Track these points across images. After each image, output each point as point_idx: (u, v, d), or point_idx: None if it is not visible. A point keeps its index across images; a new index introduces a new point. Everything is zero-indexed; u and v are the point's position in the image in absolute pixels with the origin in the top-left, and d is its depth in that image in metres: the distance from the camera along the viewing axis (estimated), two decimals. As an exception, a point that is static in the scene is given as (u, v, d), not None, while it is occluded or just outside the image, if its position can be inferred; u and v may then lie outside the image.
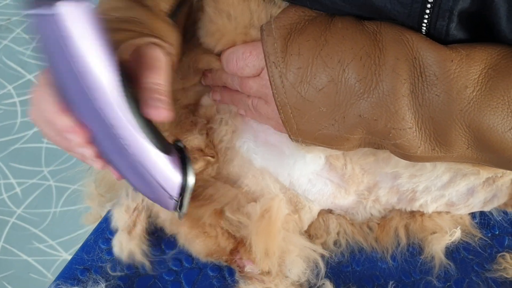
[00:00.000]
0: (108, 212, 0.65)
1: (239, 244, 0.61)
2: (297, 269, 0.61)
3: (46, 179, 1.84)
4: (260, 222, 0.58)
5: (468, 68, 0.47)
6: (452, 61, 0.47)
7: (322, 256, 0.64)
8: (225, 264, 0.62)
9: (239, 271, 0.62)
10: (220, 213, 0.62)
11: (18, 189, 1.82)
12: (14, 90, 2.06)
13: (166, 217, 0.62)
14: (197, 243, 0.61)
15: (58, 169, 1.88)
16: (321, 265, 0.63)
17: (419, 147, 0.50)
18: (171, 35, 0.56)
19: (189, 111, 0.64)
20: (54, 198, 1.81)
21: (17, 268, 1.67)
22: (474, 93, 0.47)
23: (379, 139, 0.51)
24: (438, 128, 0.48)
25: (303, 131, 0.54)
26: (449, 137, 0.48)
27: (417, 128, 0.49)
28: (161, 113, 0.46)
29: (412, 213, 0.70)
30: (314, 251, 0.63)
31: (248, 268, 0.59)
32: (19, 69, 2.14)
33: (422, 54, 0.47)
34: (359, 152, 0.62)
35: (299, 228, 0.64)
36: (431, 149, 0.50)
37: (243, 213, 0.61)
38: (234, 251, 0.61)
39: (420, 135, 0.49)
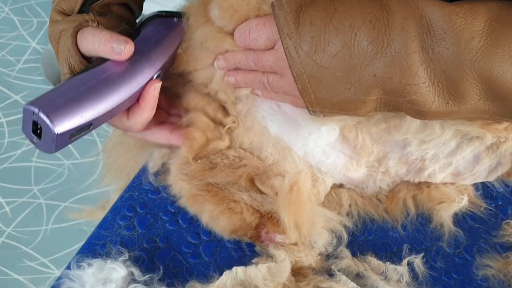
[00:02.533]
0: (123, 193, 0.66)
1: (264, 218, 0.62)
2: (323, 240, 0.63)
3: (36, 197, 1.83)
4: (289, 195, 0.60)
5: (472, 21, 0.50)
6: (457, 15, 0.50)
7: (344, 226, 0.65)
8: (248, 241, 0.63)
9: (263, 247, 0.63)
10: (251, 181, 0.63)
11: (7, 208, 1.80)
12: (1, 111, 2.05)
13: (188, 195, 0.63)
14: (222, 220, 0.62)
15: (48, 187, 1.86)
16: (345, 235, 0.64)
17: (433, 102, 0.52)
18: None
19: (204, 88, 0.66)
20: (45, 215, 1.79)
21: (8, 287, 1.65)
22: (481, 43, 0.49)
23: (395, 97, 0.53)
24: (450, 80, 0.51)
25: (320, 99, 0.55)
26: (462, 88, 0.51)
27: (430, 82, 0.51)
28: None
29: (419, 185, 0.73)
30: (337, 221, 0.65)
31: (279, 238, 0.61)
32: (6, 90, 2.13)
33: (428, 12, 0.50)
34: (371, 120, 0.64)
35: (318, 200, 0.66)
36: (445, 102, 0.52)
37: (268, 186, 0.63)
38: (259, 226, 0.62)
39: (433, 89, 0.52)
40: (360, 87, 0.54)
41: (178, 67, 0.65)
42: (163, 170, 0.67)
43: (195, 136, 0.63)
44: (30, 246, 1.72)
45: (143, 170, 0.68)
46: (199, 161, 0.63)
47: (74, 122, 0.51)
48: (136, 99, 0.58)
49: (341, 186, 0.71)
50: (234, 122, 0.65)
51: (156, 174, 0.67)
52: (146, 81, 0.58)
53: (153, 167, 0.66)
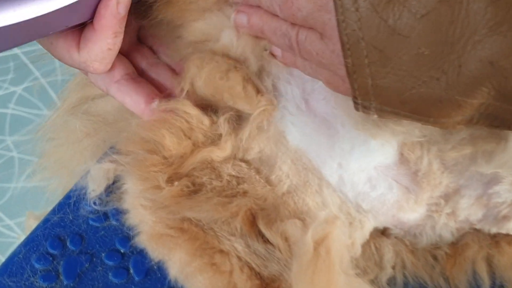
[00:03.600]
0: (50, 213, 0.42)
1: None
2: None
3: (8, 149, 1.62)
4: (313, 262, 0.36)
5: None
6: None
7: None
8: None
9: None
10: (252, 221, 0.39)
11: (-25, 159, 1.62)
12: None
13: (152, 232, 0.39)
14: (200, 281, 0.38)
15: (23, 140, 1.67)
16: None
17: None
18: None
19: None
20: (16, 171, 1.57)
21: (-38, 250, 1.50)
22: None
23: None
24: None
25: (383, 88, 0.34)
26: None
27: None
28: None
29: (496, 240, 0.49)
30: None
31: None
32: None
33: None
34: (452, 139, 0.41)
35: (351, 255, 0.42)
36: None
37: (278, 232, 0.39)
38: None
39: None
40: (458, 79, 0.32)
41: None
42: (117, 183, 0.43)
43: (172, 141, 0.39)
44: (-4, 204, 1.53)
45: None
46: (175, 183, 0.39)
47: None
48: (89, 14, 0.38)
49: (384, 232, 0.48)
50: (269, 103, 0.41)
51: (107, 189, 0.43)
52: None
53: (94, 189, 0.42)
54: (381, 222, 0.46)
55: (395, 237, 0.49)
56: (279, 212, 0.41)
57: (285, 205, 0.41)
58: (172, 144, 0.39)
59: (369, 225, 0.46)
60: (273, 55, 0.42)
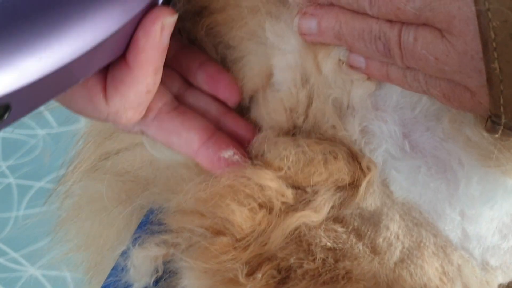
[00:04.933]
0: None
1: None
2: None
3: (4, 176, 1.53)
4: None
5: None
6: None
7: None
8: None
9: None
10: None
11: (-32, 189, 1.54)
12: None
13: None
14: None
15: (19, 163, 1.52)
16: None
17: None
18: None
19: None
20: (16, 199, 1.51)
21: (-32, 292, 1.45)
22: None
23: None
24: None
25: None
26: None
27: None
28: None
29: None
30: None
31: None
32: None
33: None
34: None
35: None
36: None
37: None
38: None
39: None
40: None
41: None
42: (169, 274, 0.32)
43: (243, 215, 0.28)
44: (-2, 237, 1.42)
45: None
46: (258, 274, 0.28)
47: None
48: (121, 49, 0.28)
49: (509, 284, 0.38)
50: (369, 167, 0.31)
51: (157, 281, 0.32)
52: (142, 8, 0.27)
53: (138, 281, 0.31)
54: (510, 277, 0.36)
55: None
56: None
57: (401, 282, 0.31)
58: (243, 220, 0.29)
59: (496, 283, 0.36)
60: (352, 67, 0.32)
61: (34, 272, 1.46)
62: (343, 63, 0.32)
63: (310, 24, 0.31)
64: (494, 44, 0.24)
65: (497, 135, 0.27)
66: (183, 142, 0.32)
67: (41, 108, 0.31)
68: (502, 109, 0.26)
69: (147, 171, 0.36)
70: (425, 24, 0.27)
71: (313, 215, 0.29)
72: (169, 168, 0.34)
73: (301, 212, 0.29)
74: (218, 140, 0.33)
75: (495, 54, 0.24)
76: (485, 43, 0.24)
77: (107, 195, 0.36)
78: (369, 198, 0.31)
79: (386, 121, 0.31)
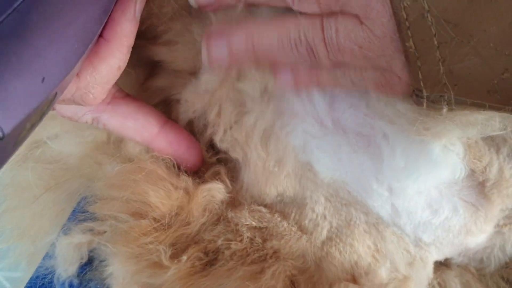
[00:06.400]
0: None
1: None
2: None
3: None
4: None
5: None
6: None
7: None
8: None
9: None
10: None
11: None
12: None
13: None
14: None
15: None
16: None
17: None
18: None
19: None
20: None
21: None
22: None
23: None
24: None
25: (460, 76, 0.26)
26: None
27: None
28: None
29: None
30: None
31: None
32: None
33: None
34: None
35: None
36: None
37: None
38: None
39: None
40: None
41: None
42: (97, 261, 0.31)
43: (158, 196, 0.27)
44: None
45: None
46: (183, 256, 0.27)
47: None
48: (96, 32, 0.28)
49: (445, 263, 0.38)
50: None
51: (83, 267, 0.31)
52: None
53: (66, 269, 0.30)
54: (444, 254, 0.36)
55: (458, 266, 0.39)
56: (324, 271, 0.30)
57: (330, 259, 0.30)
58: (159, 199, 0.28)
59: (431, 260, 0.36)
60: (279, 81, 0.31)
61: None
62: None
63: (220, 51, 0.30)
64: (407, 24, 0.25)
65: (423, 107, 0.27)
66: (140, 126, 0.32)
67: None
68: (422, 83, 0.26)
69: (75, 159, 0.35)
70: (343, 13, 0.26)
71: (220, 185, 0.30)
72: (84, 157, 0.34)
73: (208, 185, 0.29)
74: (173, 126, 0.33)
75: (409, 33, 0.25)
76: (398, 23, 0.25)
77: (35, 182, 0.35)
78: (288, 184, 0.30)
79: (302, 97, 0.31)
